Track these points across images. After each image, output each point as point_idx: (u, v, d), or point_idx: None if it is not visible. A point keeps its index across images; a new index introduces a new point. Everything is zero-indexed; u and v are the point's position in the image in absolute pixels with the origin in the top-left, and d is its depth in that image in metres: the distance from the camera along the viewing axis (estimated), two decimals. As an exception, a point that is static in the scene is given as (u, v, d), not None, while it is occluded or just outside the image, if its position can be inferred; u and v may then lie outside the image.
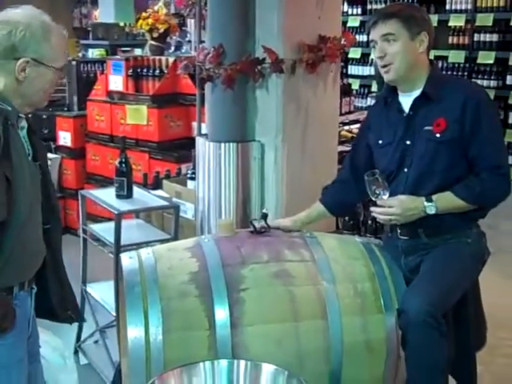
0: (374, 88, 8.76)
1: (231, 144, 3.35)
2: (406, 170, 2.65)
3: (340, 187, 2.92)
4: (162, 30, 5.58)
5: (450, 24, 8.25)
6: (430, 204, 2.55)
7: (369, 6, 9.19)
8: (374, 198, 2.60)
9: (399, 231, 2.73)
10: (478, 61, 8.04)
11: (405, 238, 2.72)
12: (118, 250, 3.32)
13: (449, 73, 8.53)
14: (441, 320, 2.40)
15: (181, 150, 5.34)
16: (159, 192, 3.89)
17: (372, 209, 2.64)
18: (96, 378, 3.56)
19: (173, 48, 5.91)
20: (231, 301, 2.48)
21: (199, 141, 3.52)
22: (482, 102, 2.57)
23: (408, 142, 2.65)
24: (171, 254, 2.67)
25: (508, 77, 7.89)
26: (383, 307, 2.59)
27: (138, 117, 5.32)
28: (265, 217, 2.75)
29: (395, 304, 2.60)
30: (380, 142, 2.74)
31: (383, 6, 8.98)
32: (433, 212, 2.55)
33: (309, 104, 3.43)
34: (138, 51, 7.89)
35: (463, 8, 8.23)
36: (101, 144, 5.67)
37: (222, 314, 2.45)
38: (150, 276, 2.54)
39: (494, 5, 7.99)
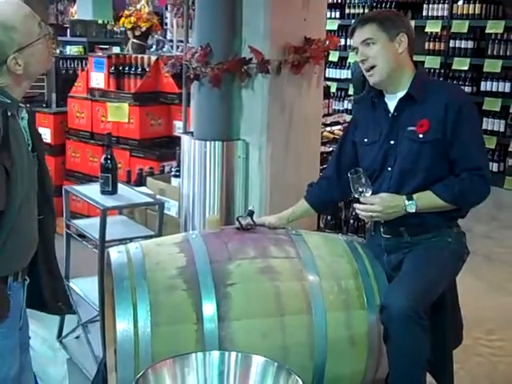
0: (351, 91, 8.87)
1: (216, 142, 3.39)
2: (389, 168, 2.72)
3: (324, 185, 2.99)
4: (144, 29, 5.61)
5: (426, 30, 8.40)
6: (410, 202, 2.61)
7: (347, 10, 9.30)
8: (356, 196, 2.66)
9: (382, 230, 2.80)
10: (453, 67, 8.20)
11: (387, 236, 2.79)
12: (103, 245, 3.35)
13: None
14: (422, 314, 2.47)
15: (162, 148, 5.38)
16: (143, 189, 3.92)
17: (355, 205, 2.70)
18: (77, 373, 3.57)
19: (154, 46, 5.93)
20: (218, 295, 2.52)
21: (184, 139, 3.56)
22: (464, 104, 2.65)
23: (392, 142, 2.72)
24: (159, 248, 2.71)
25: (482, 83, 8.06)
26: (366, 303, 2.65)
27: (119, 114, 5.34)
28: (251, 214, 2.80)
29: (377, 300, 2.66)
30: (365, 140, 2.81)
31: (361, 10, 9.11)
32: (413, 210, 2.61)
33: (293, 104, 3.49)
34: (116, 49, 7.90)
35: (439, 14, 8.40)
36: (81, 141, 5.67)
37: (209, 308, 2.50)
38: (138, 270, 2.57)
39: (470, 12, 8.15)
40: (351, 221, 3.37)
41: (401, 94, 2.71)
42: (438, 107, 2.62)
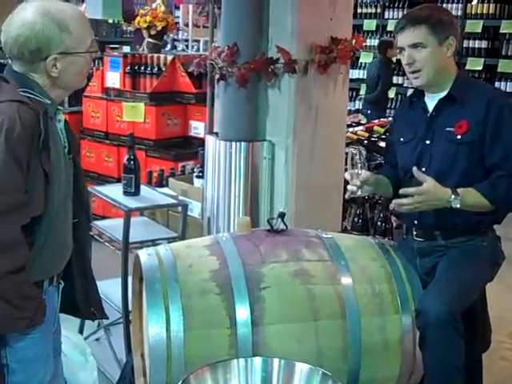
0: (362, 91, 8.83)
1: (242, 143, 3.34)
2: (423, 169, 2.67)
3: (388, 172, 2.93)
4: (159, 28, 5.57)
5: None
6: (455, 197, 2.53)
7: (359, 10, 9.25)
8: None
9: (415, 233, 2.76)
10: (467, 67, 8.14)
11: (420, 239, 2.74)
12: (127, 247, 3.31)
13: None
14: (459, 319, 2.43)
15: (178, 148, 5.34)
16: (165, 190, 3.88)
17: (397, 201, 2.61)
18: (100, 376, 3.53)
19: (169, 46, 5.89)
20: (252, 299, 2.48)
21: (209, 139, 3.52)
22: (504, 106, 2.60)
23: (427, 142, 2.67)
24: (190, 251, 2.67)
25: (496, 83, 8.00)
26: (400, 308, 2.62)
27: (134, 114, 5.30)
28: (282, 216, 2.75)
29: (411, 305, 2.62)
30: (401, 139, 2.78)
31: (373, 9, 9.05)
32: (457, 206, 2.53)
33: (319, 105, 3.45)
34: (126, 48, 7.87)
35: (454, 14, 8.31)
36: (96, 141, 5.64)
37: (243, 312, 2.46)
38: (170, 273, 2.53)
39: (484, 12, 8.10)
40: (379, 223, 3.32)
41: (442, 95, 2.66)
42: (478, 108, 2.57)
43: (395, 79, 9.11)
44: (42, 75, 2.00)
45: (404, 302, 2.63)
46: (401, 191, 2.60)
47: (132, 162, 3.50)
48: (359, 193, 2.69)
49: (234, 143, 3.36)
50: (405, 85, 9.05)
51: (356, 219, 3.43)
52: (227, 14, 3.29)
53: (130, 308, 3.38)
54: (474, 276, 2.60)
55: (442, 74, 2.65)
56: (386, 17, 9.19)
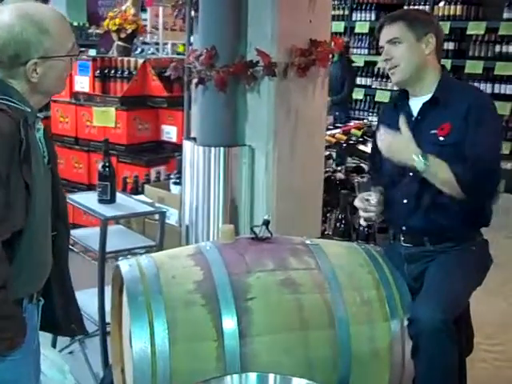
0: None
1: (221, 148, 3.27)
2: (411, 174, 2.62)
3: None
4: (129, 31, 5.46)
5: (407, 31, 8.36)
6: (423, 157, 2.45)
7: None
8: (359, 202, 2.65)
9: (402, 238, 2.71)
10: (435, 68, 8.17)
11: (408, 245, 2.70)
12: (104, 257, 3.21)
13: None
14: (452, 327, 2.39)
15: (150, 153, 5.24)
16: (141, 197, 3.78)
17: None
18: (75, 391, 3.42)
19: (139, 49, 5.78)
20: (239, 310, 2.40)
21: (187, 145, 3.43)
22: (485, 106, 2.57)
23: None
24: (173, 261, 2.58)
25: (464, 84, 8.04)
26: (389, 315, 2.56)
27: (105, 119, 5.19)
28: (267, 224, 2.68)
29: (400, 312, 2.57)
30: None
31: (341, 11, 9.08)
32: (421, 167, 2.46)
33: (299, 108, 3.39)
34: (92, 52, 7.73)
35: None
36: (65, 147, 5.49)
37: (230, 323, 2.38)
38: (153, 285, 2.44)
39: (451, 13, 8.15)
40: (361, 228, 3.27)
41: (426, 98, 2.62)
42: (460, 109, 2.54)
43: (364, 81, 9.13)
44: (20, 81, 1.89)
45: (393, 309, 2.57)
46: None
47: (107, 169, 3.40)
48: (375, 218, 2.65)
49: (212, 148, 3.28)
50: (373, 86, 9.07)
51: (338, 224, 3.38)
52: (205, 17, 3.21)
53: (106, 320, 3.30)
54: (465, 282, 2.56)
55: (421, 73, 2.61)
56: (354, 19, 9.21)
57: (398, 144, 2.53)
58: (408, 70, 2.58)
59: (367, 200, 2.64)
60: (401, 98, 2.74)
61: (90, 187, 5.20)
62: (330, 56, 3.43)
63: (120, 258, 3.66)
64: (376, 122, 5.21)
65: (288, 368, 2.33)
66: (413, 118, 2.65)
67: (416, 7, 8.41)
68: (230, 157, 3.28)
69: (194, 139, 3.44)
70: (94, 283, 3.38)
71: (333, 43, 3.45)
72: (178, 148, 5.23)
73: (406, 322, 2.53)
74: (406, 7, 8.54)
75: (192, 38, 3.45)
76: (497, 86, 7.84)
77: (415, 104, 2.66)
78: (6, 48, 1.84)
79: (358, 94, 9.01)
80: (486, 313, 4.43)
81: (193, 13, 3.39)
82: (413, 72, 2.59)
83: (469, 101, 2.55)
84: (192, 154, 3.36)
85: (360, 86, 9.01)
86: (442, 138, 2.56)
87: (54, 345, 3.70)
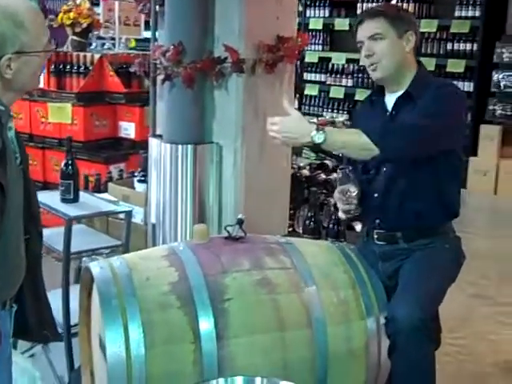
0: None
1: (189, 146, 3.21)
2: (384, 169, 2.62)
3: None
4: (84, 25, 5.33)
5: (361, 28, 8.40)
6: (318, 132, 2.40)
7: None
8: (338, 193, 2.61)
9: (376, 236, 2.70)
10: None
11: (382, 243, 2.69)
12: (68, 258, 3.12)
13: (360, 76, 8.74)
14: (430, 325, 2.39)
15: (107, 150, 5.14)
16: (105, 195, 3.69)
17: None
18: (39, 396, 3.31)
19: (94, 44, 5.65)
20: (215, 312, 2.36)
21: (153, 142, 3.36)
22: (445, 88, 2.58)
23: None
24: (146, 263, 2.51)
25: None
26: (365, 314, 2.55)
27: (61, 115, 5.06)
28: (240, 222, 2.64)
29: (376, 310, 2.56)
30: None
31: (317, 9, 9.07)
32: (320, 139, 2.39)
33: (266, 105, 3.34)
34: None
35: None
36: (19, 144, 5.33)
37: (206, 325, 2.33)
38: (126, 287, 2.37)
39: (403, 9, 8.20)
40: (331, 225, 3.25)
41: (400, 93, 2.61)
42: (426, 100, 2.53)
43: (318, 77, 9.15)
44: None
45: (368, 307, 2.56)
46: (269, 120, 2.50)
47: (70, 167, 3.30)
48: (354, 210, 2.63)
49: (180, 146, 3.21)
50: (327, 82, 9.09)
51: (307, 222, 3.35)
52: (171, 11, 3.14)
53: (72, 322, 3.21)
54: (441, 280, 2.57)
55: (401, 70, 2.60)
56: (308, 15, 9.21)
57: (289, 124, 2.46)
58: (389, 66, 2.57)
59: (347, 192, 2.60)
60: (376, 94, 2.73)
61: (45, 185, 5.07)
62: (297, 52, 3.39)
63: (84, 259, 3.57)
64: (344, 118, 5.23)
65: (265, 369, 2.29)
66: (387, 113, 2.64)
67: (369, 5, 8.48)
68: (197, 154, 3.22)
69: (160, 136, 3.37)
70: (56, 284, 3.28)
71: (299, 39, 3.41)
72: (136, 145, 5.16)
73: (382, 321, 2.52)
74: (359, 5, 8.59)
75: (157, 34, 3.36)
76: (449, 83, 7.94)
77: (390, 100, 2.65)
78: None
79: (312, 90, 9.02)
80: (448, 306, 4.49)
81: (157, 8, 3.31)
82: (394, 69, 2.58)
83: (434, 90, 2.55)
84: (158, 151, 3.29)
85: (314, 82, 9.03)
86: None
87: (14, 347, 3.59)
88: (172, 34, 3.14)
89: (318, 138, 2.39)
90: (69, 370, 3.23)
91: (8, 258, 1.84)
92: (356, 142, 2.44)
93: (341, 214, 2.70)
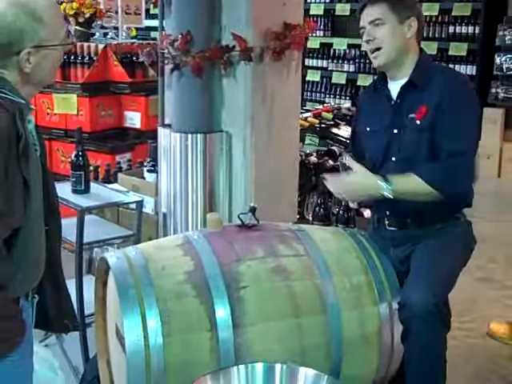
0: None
1: (198, 135, 3.22)
2: (393, 158, 2.63)
3: None
4: (87, 15, 5.32)
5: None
6: (385, 184, 2.47)
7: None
8: None
9: (387, 222, 2.72)
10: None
11: (393, 228, 2.71)
12: (81, 248, 3.14)
13: (362, 61, 8.72)
14: (443, 309, 2.42)
15: (113, 140, 5.15)
16: (115, 186, 3.70)
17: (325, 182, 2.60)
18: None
19: (98, 34, 5.64)
20: (231, 300, 2.38)
21: (162, 132, 3.37)
22: (459, 87, 2.57)
23: (395, 131, 2.62)
24: (161, 252, 2.54)
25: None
26: (377, 299, 2.58)
27: (67, 106, 5.07)
28: (253, 210, 2.66)
29: (388, 296, 2.59)
30: (368, 129, 2.72)
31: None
32: (389, 192, 2.47)
33: (274, 92, 3.36)
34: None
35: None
36: (25, 135, 5.34)
37: (223, 313, 2.36)
38: (143, 277, 2.40)
39: None
40: (341, 212, 3.27)
41: (403, 81, 2.62)
42: (435, 93, 2.54)
43: (320, 63, 9.13)
44: (12, 71, 1.82)
45: (381, 292, 2.59)
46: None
47: (81, 159, 3.32)
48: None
49: (189, 135, 3.23)
50: (329, 68, 9.08)
51: (317, 209, 3.37)
52: (179, 1, 3.14)
53: (85, 312, 3.23)
54: (453, 264, 2.59)
55: (402, 56, 2.61)
56: (309, 0, 9.14)
57: (356, 183, 2.54)
58: (390, 53, 2.57)
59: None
60: (380, 80, 2.74)
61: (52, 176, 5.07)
62: (304, 39, 3.39)
63: (95, 249, 3.60)
64: (349, 105, 5.23)
65: (281, 356, 2.31)
66: (392, 102, 2.65)
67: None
68: (207, 143, 3.23)
69: (169, 126, 3.38)
70: (68, 275, 3.29)
71: (306, 26, 3.41)
72: (141, 134, 5.17)
73: (394, 306, 2.55)
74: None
75: (164, 23, 3.37)
76: (451, 66, 7.93)
77: (394, 87, 2.65)
78: None
79: (314, 76, 9.01)
80: (455, 290, 4.52)
81: (165, -3, 3.31)
82: (395, 55, 2.58)
83: (442, 83, 2.55)
84: (168, 141, 3.30)
85: (316, 68, 9.01)
86: (418, 122, 2.56)
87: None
88: (180, 23, 3.14)
89: (388, 191, 2.47)
90: (84, 359, 3.25)
91: (30, 251, 1.86)
92: (424, 190, 2.47)
93: (351, 204, 2.72)
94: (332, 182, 2.59)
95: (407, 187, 2.51)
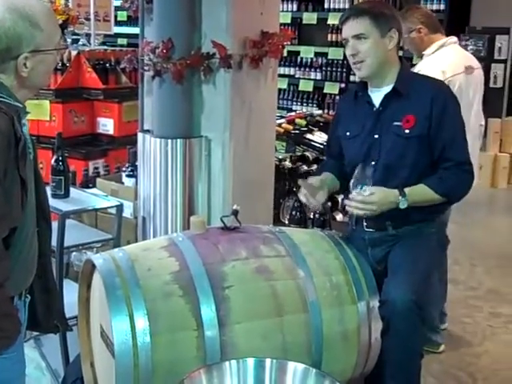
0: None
1: (178, 140, 3.27)
2: (373, 162, 2.73)
3: (331, 166, 3.00)
4: (60, 22, 5.32)
5: (328, 22, 8.53)
6: (402, 199, 2.61)
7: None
8: (352, 190, 2.64)
9: (365, 224, 2.81)
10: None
11: (371, 230, 2.80)
12: (62, 252, 3.17)
13: (328, 69, 8.87)
14: (423, 307, 2.51)
15: (86, 146, 5.15)
16: (94, 190, 3.74)
17: (346, 202, 2.68)
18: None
19: (69, 40, 5.65)
20: (217, 299, 2.45)
21: (141, 137, 3.42)
22: (448, 98, 2.71)
23: (376, 136, 2.73)
24: (147, 254, 2.59)
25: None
26: (356, 298, 2.66)
27: (39, 112, 5.06)
28: (236, 213, 2.73)
29: (366, 295, 2.68)
30: (347, 133, 2.82)
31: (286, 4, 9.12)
32: (404, 206, 2.62)
33: (252, 99, 3.44)
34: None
35: (341, 7, 8.54)
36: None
37: (208, 312, 2.42)
38: (130, 278, 2.45)
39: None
40: (317, 215, 3.36)
41: (387, 89, 2.72)
42: (423, 102, 2.65)
43: (287, 70, 9.25)
44: (10, 75, 1.87)
45: (359, 291, 2.68)
46: (346, 202, 2.70)
47: (61, 164, 3.36)
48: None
49: (169, 140, 3.28)
50: (296, 76, 9.21)
51: (294, 212, 3.45)
52: (160, 8, 3.20)
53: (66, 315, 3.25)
54: (430, 263, 2.70)
55: (384, 67, 2.72)
56: (276, 9, 9.27)
57: (378, 203, 2.62)
58: (374, 65, 2.68)
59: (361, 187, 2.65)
60: (361, 88, 2.84)
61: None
62: (281, 47, 3.48)
63: (74, 253, 3.63)
64: (321, 112, 5.32)
65: (265, 354, 2.36)
66: (374, 109, 2.75)
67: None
68: (187, 148, 3.29)
69: (148, 131, 3.43)
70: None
71: (283, 35, 3.50)
72: (114, 140, 5.19)
73: (371, 304, 2.64)
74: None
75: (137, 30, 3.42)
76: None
77: (376, 95, 2.76)
78: None
79: (281, 84, 9.12)
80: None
81: (145, 4, 3.37)
82: (378, 67, 2.69)
83: (431, 94, 2.67)
84: (148, 146, 3.35)
85: (284, 75, 9.13)
86: (407, 131, 2.67)
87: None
88: (161, 30, 3.21)
89: (403, 204, 2.61)
90: (64, 362, 3.28)
91: (25, 250, 1.91)
92: (431, 198, 2.67)
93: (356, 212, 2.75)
94: (353, 205, 2.64)
95: (421, 198, 2.66)
